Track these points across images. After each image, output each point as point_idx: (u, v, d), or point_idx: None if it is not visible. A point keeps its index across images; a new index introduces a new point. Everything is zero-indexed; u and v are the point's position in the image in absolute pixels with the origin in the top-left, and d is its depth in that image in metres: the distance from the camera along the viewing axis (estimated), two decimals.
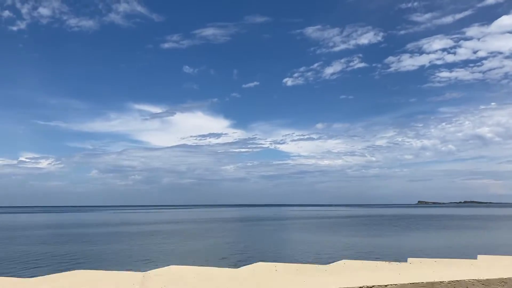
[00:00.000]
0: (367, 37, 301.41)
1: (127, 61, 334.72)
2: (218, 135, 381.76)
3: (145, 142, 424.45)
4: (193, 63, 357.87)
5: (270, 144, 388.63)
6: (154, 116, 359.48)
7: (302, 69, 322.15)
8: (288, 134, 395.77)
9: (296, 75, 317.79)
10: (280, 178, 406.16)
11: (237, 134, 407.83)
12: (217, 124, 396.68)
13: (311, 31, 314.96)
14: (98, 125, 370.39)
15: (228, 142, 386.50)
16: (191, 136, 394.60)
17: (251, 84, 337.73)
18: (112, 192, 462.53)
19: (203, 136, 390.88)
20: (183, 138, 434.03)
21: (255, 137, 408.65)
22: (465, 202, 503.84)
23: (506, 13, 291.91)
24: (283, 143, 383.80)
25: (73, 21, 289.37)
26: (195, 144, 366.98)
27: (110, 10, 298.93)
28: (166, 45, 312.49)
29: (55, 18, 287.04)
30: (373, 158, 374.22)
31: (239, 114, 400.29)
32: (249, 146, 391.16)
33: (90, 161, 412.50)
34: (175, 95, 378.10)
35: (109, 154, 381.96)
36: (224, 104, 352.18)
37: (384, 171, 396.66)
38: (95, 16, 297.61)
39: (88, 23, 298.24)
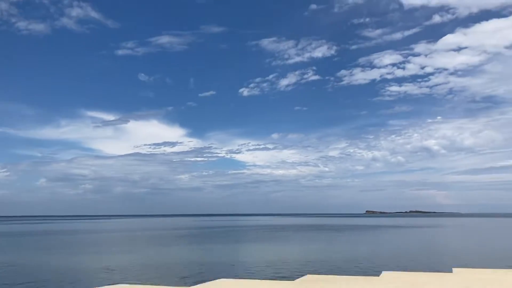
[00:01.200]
0: (321, 51, 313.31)
1: (79, 67, 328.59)
2: (173, 144, 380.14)
3: (97, 150, 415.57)
4: (149, 70, 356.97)
5: (226, 153, 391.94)
6: (106, 123, 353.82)
7: (258, 80, 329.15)
8: (244, 144, 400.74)
9: (252, 85, 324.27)
10: (235, 187, 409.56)
11: (192, 143, 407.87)
12: (172, 133, 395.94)
13: (267, 42, 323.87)
14: (48, 132, 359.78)
15: (183, 151, 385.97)
16: (145, 145, 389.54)
17: (207, 93, 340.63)
18: (61, 202, 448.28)
19: (158, 144, 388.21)
20: (137, 147, 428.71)
21: (211, 146, 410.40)
22: (410, 211, 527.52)
23: (451, 32, 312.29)
24: (239, 152, 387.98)
25: (22, 24, 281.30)
26: (149, 153, 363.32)
27: (63, 14, 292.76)
28: (120, 52, 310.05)
29: (2, 20, 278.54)
30: (326, 169, 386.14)
31: (195, 123, 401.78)
32: (204, 155, 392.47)
33: (38, 169, 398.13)
34: (129, 102, 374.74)
35: (58, 162, 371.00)
36: (179, 112, 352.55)
37: (337, 181, 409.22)
38: (46, 20, 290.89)
39: (38, 27, 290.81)
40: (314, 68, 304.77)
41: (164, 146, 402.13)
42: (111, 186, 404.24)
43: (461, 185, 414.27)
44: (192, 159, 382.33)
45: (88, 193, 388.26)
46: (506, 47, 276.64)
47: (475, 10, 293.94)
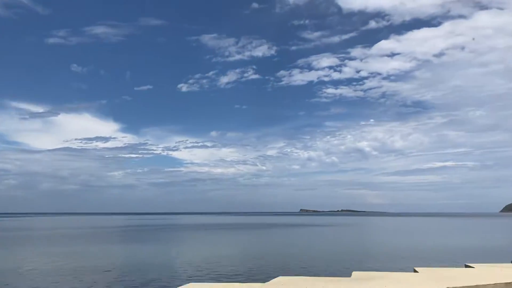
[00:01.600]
0: (261, 50, 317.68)
1: (4, 53, 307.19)
2: (106, 139, 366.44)
3: (23, 144, 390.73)
4: (82, 61, 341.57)
5: (163, 150, 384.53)
6: (34, 115, 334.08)
7: (197, 76, 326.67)
8: (182, 141, 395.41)
9: (191, 81, 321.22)
10: (172, 185, 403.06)
11: (127, 138, 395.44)
12: (105, 127, 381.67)
13: (208, 39, 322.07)
14: None
15: (117, 147, 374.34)
16: (76, 139, 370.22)
17: (144, 88, 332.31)
18: None
19: (90, 139, 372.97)
20: (67, 141, 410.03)
21: (147, 143, 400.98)
22: (342, 210, 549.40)
23: (385, 38, 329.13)
24: (176, 149, 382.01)
25: None
26: (80, 148, 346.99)
27: None
28: (51, 40, 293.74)
29: None
30: (264, 167, 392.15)
31: (130, 118, 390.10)
32: (139, 151, 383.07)
33: None
34: (60, 94, 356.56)
35: None
36: (114, 106, 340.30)
37: (274, 180, 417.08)
38: None
39: None
40: (254, 67, 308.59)
41: (96, 141, 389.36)
42: (37, 182, 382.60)
43: (390, 186, 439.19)
44: (126, 155, 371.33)
45: (12, 189, 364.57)
46: (435, 55, 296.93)
47: (408, 18, 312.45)
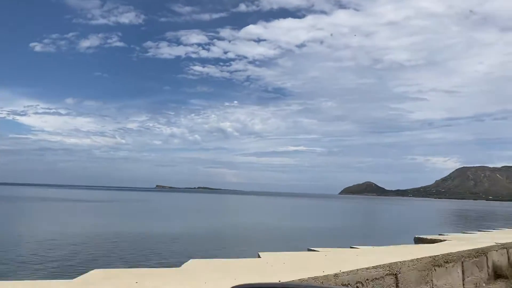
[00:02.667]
0: (128, 17, 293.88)
1: None
2: None
3: None
4: None
5: (8, 114, 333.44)
6: None
7: (54, 36, 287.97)
8: (31, 106, 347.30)
9: (46, 41, 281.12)
10: (17, 154, 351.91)
11: None
12: None
13: None
14: None
15: None
16: None
17: None
18: None
19: None
20: None
21: None
22: (199, 188, 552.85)
23: (254, 22, 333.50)
24: (24, 115, 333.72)
25: None
26: None
27: None
28: None
29: None
30: (123, 141, 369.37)
31: None
32: None
33: None
34: None
35: None
36: None
37: (133, 154, 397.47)
38: None
39: None
40: (120, 34, 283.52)
41: None
42: None
43: (248, 166, 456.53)
44: None
45: None
46: (297, 46, 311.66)
47: (275, 6, 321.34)
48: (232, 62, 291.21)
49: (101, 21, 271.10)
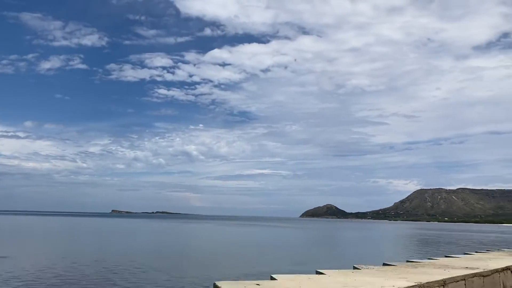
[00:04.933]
0: (91, 39, 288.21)
1: None
2: None
3: None
4: None
5: None
6: None
7: (13, 57, 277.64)
8: None
9: (5, 62, 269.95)
10: None
11: None
12: None
13: (29, 17, 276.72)
14: None
15: None
16: None
17: None
18: None
19: None
20: None
21: None
22: (157, 212, 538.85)
23: (219, 47, 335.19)
24: None
25: None
26: None
27: None
28: None
29: None
30: (85, 165, 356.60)
31: None
32: None
33: None
34: None
35: None
36: None
37: (94, 178, 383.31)
38: None
39: None
40: (82, 56, 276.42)
41: None
42: None
43: (213, 189, 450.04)
44: None
45: None
46: (262, 70, 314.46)
47: (240, 32, 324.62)
48: (197, 86, 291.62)
49: (63, 42, 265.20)
